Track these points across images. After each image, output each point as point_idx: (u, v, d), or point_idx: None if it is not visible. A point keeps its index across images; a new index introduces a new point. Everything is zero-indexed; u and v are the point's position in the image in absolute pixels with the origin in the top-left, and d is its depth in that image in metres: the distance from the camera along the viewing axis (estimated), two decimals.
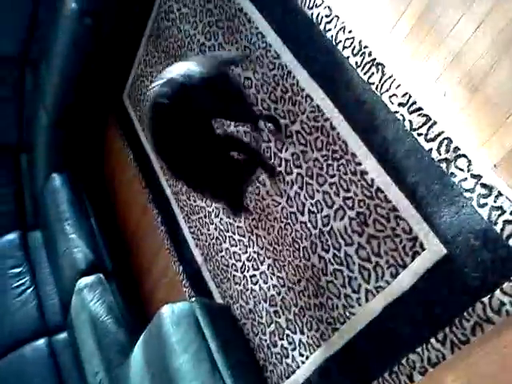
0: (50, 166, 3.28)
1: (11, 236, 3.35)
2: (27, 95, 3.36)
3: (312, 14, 1.78)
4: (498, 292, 1.29)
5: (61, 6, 2.74)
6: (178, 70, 1.50)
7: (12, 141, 3.53)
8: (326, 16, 1.73)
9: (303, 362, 1.89)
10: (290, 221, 1.91)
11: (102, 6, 2.71)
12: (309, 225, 1.83)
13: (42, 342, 3.00)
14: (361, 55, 1.61)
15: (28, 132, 3.44)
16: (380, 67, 1.56)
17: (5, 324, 3.05)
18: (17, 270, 3.22)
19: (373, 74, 1.58)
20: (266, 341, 2.06)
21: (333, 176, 1.73)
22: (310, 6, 1.79)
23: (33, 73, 3.24)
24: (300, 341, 1.90)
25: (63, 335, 3.03)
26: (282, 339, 1.98)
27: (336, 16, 1.70)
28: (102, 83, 3.17)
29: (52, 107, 3.12)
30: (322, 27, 1.74)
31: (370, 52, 1.59)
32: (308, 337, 1.87)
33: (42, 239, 3.40)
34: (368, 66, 1.59)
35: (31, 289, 3.18)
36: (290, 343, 1.95)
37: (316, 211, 1.80)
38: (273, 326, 2.02)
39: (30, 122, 3.39)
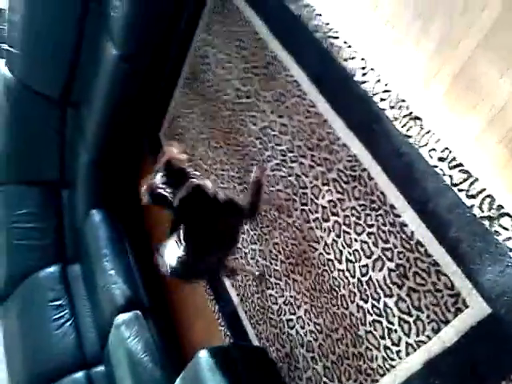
0: (89, 203, 3.37)
1: (52, 269, 3.43)
2: (68, 135, 3.46)
3: (347, 65, 1.79)
4: None
5: (101, 51, 2.84)
6: None
7: (54, 177, 3.63)
8: (362, 68, 1.74)
9: None
10: (327, 267, 1.90)
11: (141, 51, 2.78)
12: (347, 273, 1.82)
13: (80, 374, 3.04)
14: (398, 108, 1.61)
15: (69, 169, 3.54)
16: (418, 121, 1.55)
17: (45, 355, 3.10)
18: (57, 303, 3.28)
19: (411, 127, 1.57)
20: None
21: (371, 226, 1.72)
22: (345, 57, 1.80)
23: (74, 114, 3.35)
24: None
25: (101, 368, 3.06)
26: None
27: (371, 69, 1.71)
28: (140, 123, 3.26)
29: (91, 146, 3.22)
30: (358, 78, 1.75)
31: (408, 106, 1.58)
32: None
33: (81, 272, 3.47)
34: (406, 119, 1.58)
35: (70, 321, 3.23)
36: None
37: (354, 260, 1.79)
38: (310, 372, 2.00)
39: (70, 160, 3.49)
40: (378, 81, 1.69)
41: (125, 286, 2.97)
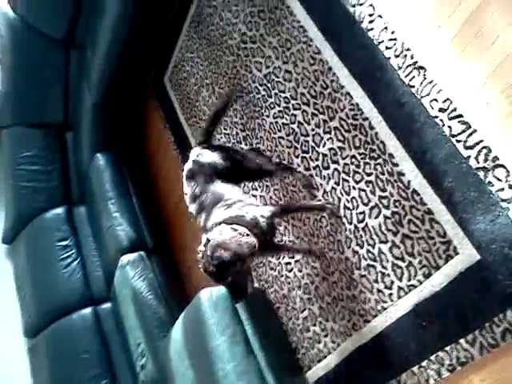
0: (93, 146, 3.40)
1: (58, 210, 3.54)
2: (72, 77, 3.45)
3: (355, 11, 1.77)
4: None
5: None
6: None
7: (58, 120, 3.66)
8: (369, 15, 1.72)
9: (334, 349, 1.97)
10: (325, 214, 1.96)
11: None
12: (344, 220, 1.88)
13: (88, 310, 3.22)
14: (403, 57, 1.61)
15: (73, 112, 3.55)
16: (421, 71, 1.56)
17: (54, 293, 3.27)
18: (64, 243, 3.41)
19: (414, 77, 1.58)
20: (298, 325, 2.14)
21: (369, 174, 1.76)
22: (353, 3, 1.78)
23: (78, 56, 3.32)
24: (332, 328, 1.98)
25: (108, 305, 3.22)
26: (315, 325, 2.06)
27: (379, 15, 1.69)
28: (144, 66, 3.23)
29: (96, 89, 3.20)
30: (364, 25, 1.74)
31: (412, 55, 1.58)
32: (340, 325, 1.94)
33: (86, 214, 3.57)
34: (410, 68, 1.59)
35: (77, 261, 3.38)
36: (322, 330, 2.02)
37: (352, 207, 1.84)
38: (306, 312, 2.10)
39: (74, 102, 3.50)
40: (385, 28, 1.68)
41: (129, 227, 3.07)
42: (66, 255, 3.36)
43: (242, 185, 2.05)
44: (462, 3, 1.45)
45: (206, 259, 1.50)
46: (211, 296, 2.10)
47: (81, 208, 3.61)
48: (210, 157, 1.85)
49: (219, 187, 1.79)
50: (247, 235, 1.54)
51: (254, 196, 2.30)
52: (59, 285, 3.27)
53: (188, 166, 1.87)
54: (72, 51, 3.36)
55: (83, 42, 3.20)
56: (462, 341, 1.48)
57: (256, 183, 2.33)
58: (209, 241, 1.53)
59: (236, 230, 1.55)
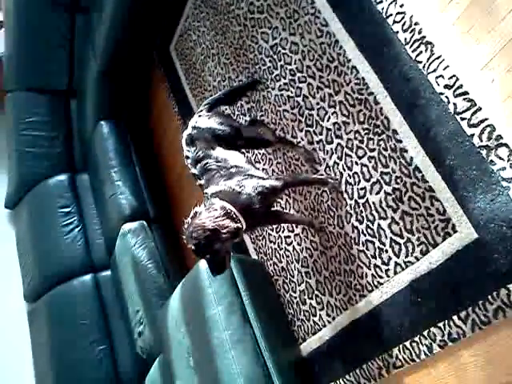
0: (98, 114, 3.40)
1: (61, 177, 3.56)
2: (78, 43, 3.42)
3: None
4: None
5: None
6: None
7: (62, 86, 3.65)
8: None
9: (329, 322, 2.00)
10: (326, 188, 1.96)
11: None
12: (345, 195, 1.88)
13: (88, 277, 3.27)
14: (411, 32, 1.59)
15: (78, 79, 3.54)
16: (429, 46, 1.54)
17: (55, 258, 3.32)
18: (66, 210, 3.45)
19: (421, 52, 1.56)
20: (295, 298, 2.17)
21: (372, 150, 1.76)
22: None
23: (83, 21, 3.29)
24: (328, 302, 2.00)
25: (107, 273, 3.27)
26: (311, 299, 2.09)
27: None
28: (150, 33, 3.20)
29: (101, 55, 3.18)
30: None
31: (421, 29, 1.56)
32: (336, 299, 1.97)
33: (89, 182, 3.59)
34: (417, 43, 1.57)
35: (79, 228, 3.42)
36: (318, 303, 2.05)
37: (353, 183, 1.84)
38: (303, 285, 2.13)
39: (80, 69, 3.48)
40: (394, 1, 1.65)
41: (131, 196, 3.09)
42: (67, 222, 3.39)
43: (246, 153, 2.04)
44: None
45: (187, 234, 1.52)
46: None
47: (83, 175, 3.63)
48: (209, 123, 1.86)
49: (222, 153, 1.79)
50: (232, 219, 1.55)
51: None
52: (60, 251, 3.31)
53: (187, 131, 1.87)
54: (77, 16, 3.33)
55: (89, 5, 3.16)
56: (454, 317, 1.50)
57: (259, 156, 2.32)
58: (196, 214, 1.54)
59: (224, 209, 1.56)
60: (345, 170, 1.87)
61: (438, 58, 1.51)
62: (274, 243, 2.29)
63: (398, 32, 1.63)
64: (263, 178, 1.74)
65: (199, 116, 1.92)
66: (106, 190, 3.19)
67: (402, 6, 1.62)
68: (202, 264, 2.15)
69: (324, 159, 1.96)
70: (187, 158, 1.82)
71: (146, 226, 2.99)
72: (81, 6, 3.27)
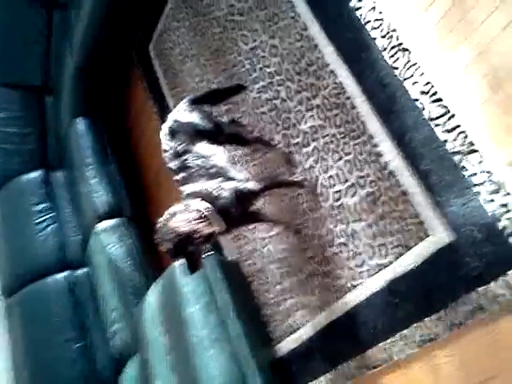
0: (74, 111, 3.33)
1: (35, 174, 3.46)
2: (54, 40, 3.34)
3: None
4: (493, 284, 1.35)
5: None
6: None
7: (37, 82, 3.56)
8: None
9: (306, 323, 1.99)
10: (302, 191, 1.96)
11: None
12: (320, 198, 1.88)
13: (62, 275, 3.18)
14: (388, 38, 1.60)
15: (54, 75, 3.45)
16: (406, 53, 1.55)
17: (28, 256, 3.22)
18: (40, 207, 3.35)
19: (398, 58, 1.57)
20: (272, 299, 2.16)
21: (348, 154, 1.76)
22: None
23: (61, 17, 3.22)
24: (304, 303, 2.00)
25: (83, 270, 3.19)
26: (288, 300, 2.07)
27: None
28: (129, 31, 3.15)
29: (78, 52, 3.11)
30: (352, 4, 1.71)
31: (398, 36, 1.57)
32: (312, 301, 1.96)
33: (64, 179, 3.50)
34: (394, 50, 1.58)
35: (53, 225, 3.32)
36: (295, 304, 2.04)
37: (329, 185, 1.84)
38: (279, 286, 2.12)
39: (56, 65, 3.40)
40: (373, 8, 1.66)
41: (107, 194, 3.03)
42: (41, 219, 3.30)
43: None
44: None
45: (160, 236, 1.50)
46: (186, 265, 2.09)
47: (58, 172, 3.53)
48: (190, 117, 1.82)
49: (203, 149, 1.76)
50: (207, 223, 1.53)
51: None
52: (34, 248, 3.22)
53: (168, 123, 1.82)
54: (55, 12, 3.24)
55: (67, 2, 3.08)
56: (428, 319, 1.52)
57: (237, 157, 2.30)
58: (171, 215, 1.52)
59: (199, 212, 1.54)
60: (321, 173, 1.87)
61: (413, 64, 1.53)
62: (251, 244, 2.28)
63: (375, 38, 1.64)
64: (242, 181, 1.72)
65: (180, 110, 1.86)
66: (81, 188, 3.12)
67: (380, 12, 1.63)
68: (178, 263, 2.13)
69: (301, 162, 1.96)
70: (165, 151, 1.77)
71: (122, 224, 2.94)
72: (59, 2, 3.19)
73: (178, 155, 1.74)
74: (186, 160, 1.72)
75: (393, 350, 1.63)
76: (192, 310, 2.03)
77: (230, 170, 1.74)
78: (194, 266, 1.55)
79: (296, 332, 2.04)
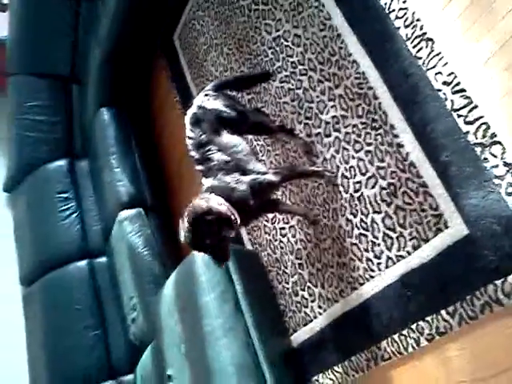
0: (99, 100, 3.42)
1: (60, 162, 3.58)
2: (82, 30, 3.44)
3: None
4: (510, 277, 1.36)
5: None
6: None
7: (65, 72, 3.67)
8: None
9: (320, 314, 2.03)
10: (323, 181, 1.99)
11: None
12: (341, 188, 1.91)
13: (84, 263, 3.29)
14: (412, 27, 1.62)
15: (80, 65, 3.55)
16: (430, 43, 1.56)
17: (51, 243, 3.34)
18: (64, 195, 3.46)
19: (421, 48, 1.58)
20: (288, 289, 2.20)
21: (369, 144, 1.78)
22: None
23: (88, 9, 3.31)
24: (320, 294, 2.03)
25: (103, 259, 3.30)
26: (304, 290, 2.12)
27: None
28: (154, 21, 3.22)
29: (104, 43, 3.20)
30: None
31: (422, 26, 1.59)
32: (328, 291, 2.00)
33: (88, 168, 3.61)
34: (418, 39, 1.60)
35: (76, 213, 3.44)
36: (310, 295, 2.08)
37: (349, 176, 1.87)
38: (296, 276, 2.16)
39: (82, 55, 3.50)
40: None
41: (129, 184, 3.11)
42: (65, 207, 3.41)
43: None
44: None
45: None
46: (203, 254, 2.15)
47: (83, 162, 3.64)
48: (215, 104, 1.84)
49: (226, 140, 1.78)
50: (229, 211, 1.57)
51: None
52: (57, 236, 3.34)
53: (192, 110, 1.85)
54: (82, 3, 3.34)
55: None
56: (443, 312, 1.54)
57: (258, 147, 2.35)
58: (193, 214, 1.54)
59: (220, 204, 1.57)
60: (341, 164, 1.90)
61: (437, 54, 1.54)
62: (269, 234, 2.32)
63: (399, 28, 1.65)
64: (261, 173, 1.74)
65: (205, 95, 1.89)
66: (105, 177, 3.21)
67: (404, 1, 1.64)
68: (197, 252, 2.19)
69: (321, 152, 1.99)
70: (190, 138, 1.80)
71: (143, 214, 3.02)
72: None
73: (200, 145, 1.77)
74: (207, 151, 1.75)
75: (405, 342, 1.66)
76: (207, 299, 2.08)
77: (249, 162, 1.77)
78: (226, 253, 1.58)
79: (310, 323, 2.08)
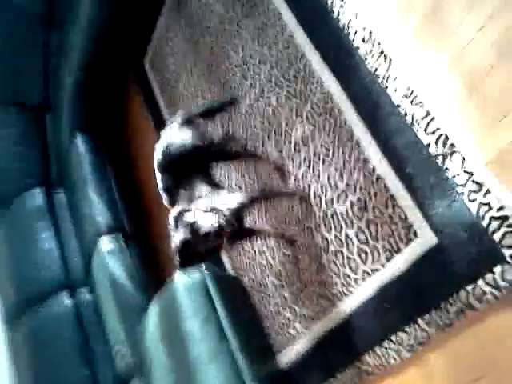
0: (73, 126, 3.49)
1: (37, 193, 3.62)
2: (53, 59, 3.53)
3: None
4: (480, 282, 1.43)
5: None
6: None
7: (37, 100, 3.75)
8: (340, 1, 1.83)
9: (304, 334, 2.09)
10: (296, 201, 2.07)
11: None
12: (314, 206, 1.99)
13: (67, 297, 3.32)
14: (370, 45, 1.72)
15: (53, 92, 3.64)
16: (387, 59, 1.67)
17: (31, 276, 3.38)
18: (42, 225, 3.51)
19: (380, 64, 1.69)
20: (271, 311, 2.26)
21: (337, 160, 1.87)
22: None
23: (58, 33, 3.41)
24: (302, 313, 2.10)
25: (86, 291, 3.34)
26: (286, 311, 2.18)
27: (347, 3, 1.80)
28: (124, 47, 3.31)
29: (76, 68, 3.28)
30: (335, 13, 1.84)
31: (380, 43, 1.69)
32: (310, 310, 2.06)
33: (65, 197, 3.67)
34: (376, 56, 1.70)
35: (55, 244, 3.47)
36: (293, 315, 2.14)
37: (321, 193, 1.95)
38: (278, 298, 2.22)
39: (54, 83, 3.58)
40: (355, 16, 1.78)
41: (107, 212, 3.18)
42: (44, 238, 3.45)
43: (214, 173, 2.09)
44: None
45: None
46: (185, 279, 2.22)
47: (59, 190, 3.69)
48: (179, 136, 1.88)
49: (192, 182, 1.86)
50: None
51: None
52: (37, 269, 3.37)
53: (158, 155, 1.88)
54: (52, 29, 3.44)
55: (63, 18, 3.28)
56: (420, 321, 1.60)
57: (232, 167, 2.43)
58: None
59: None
60: (313, 181, 1.98)
61: (395, 70, 1.64)
62: (249, 258, 2.39)
63: (358, 46, 1.76)
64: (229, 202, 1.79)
65: (172, 128, 1.94)
66: (82, 206, 3.28)
67: (362, 20, 1.76)
68: (177, 277, 2.25)
69: (293, 170, 2.07)
70: (158, 186, 1.90)
71: (123, 242, 3.08)
72: (55, 20, 3.38)
73: (170, 192, 1.87)
74: (177, 196, 1.84)
75: (386, 354, 1.72)
76: (191, 325, 2.14)
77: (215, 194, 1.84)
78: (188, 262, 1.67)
79: (295, 343, 2.13)
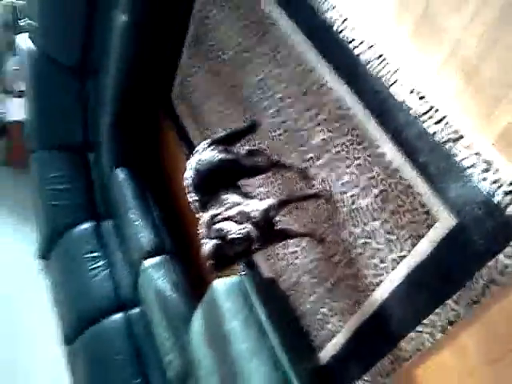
0: (113, 162, 3.67)
1: (86, 225, 3.80)
2: (91, 103, 3.77)
3: (327, 16, 1.98)
4: (501, 256, 1.45)
5: (113, 19, 3.08)
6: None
7: (79, 141, 3.97)
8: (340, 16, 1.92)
9: (342, 327, 2.11)
10: (323, 200, 2.12)
11: (147, 16, 3.00)
12: (340, 204, 2.04)
13: (118, 316, 3.43)
14: (370, 51, 1.81)
15: (93, 134, 3.85)
16: (388, 62, 1.75)
17: (85, 301, 3.51)
18: (93, 255, 3.65)
19: (383, 67, 1.76)
20: (308, 309, 2.30)
21: (358, 158, 1.92)
22: (326, 9, 1.98)
23: (92, 80, 3.63)
24: (338, 308, 2.12)
25: (137, 309, 3.43)
26: (323, 307, 2.21)
27: (346, 17, 1.91)
28: (151, 85, 3.47)
29: (110, 110, 3.49)
30: (336, 28, 1.94)
31: (378, 49, 1.78)
32: (345, 304, 2.09)
33: (112, 226, 3.82)
34: (377, 61, 1.78)
35: (106, 270, 3.61)
36: (329, 310, 2.17)
37: (345, 191, 2.00)
38: (314, 295, 2.26)
39: (93, 123, 3.79)
40: (353, 29, 1.87)
41: (150, 234, 3.30)
42: (95, 266, 3.59)
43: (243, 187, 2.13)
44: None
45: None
46: (224, 284, 2.29)
47: (107, 221, 3.85)
48: (207, 154, 1.96)
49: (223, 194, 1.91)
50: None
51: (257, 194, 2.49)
52: (91, 294, 3.49)
53: (188, 174, 1.94)
54: (89, 81, 3.68)
55: (97, 67, 3.50)
56: (449, 301, 1.62)
57: (261, 180, 2.50)
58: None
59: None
60: (335, 182, 2.04)
61: (396, 71, 1.72)
62: (283, 260, 2.44)
63: (360, 53, 1.84)
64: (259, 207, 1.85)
65: (198, 153, 2.00)
66: (127, 231, 3.41)
67: (361, 32, 1.85)
68: (216, 284, 2.32)
69: (316, 174, 2.13)
70: (193, 201, 1.95)
71: (167, 260, 3.18)
72: (89, 69, 3.61)
73: (203, 206, 1.91)
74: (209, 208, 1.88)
75: (421, 338, 1.74)
76: (232, 326, 2.19)
77: (247, 203, 1.89)
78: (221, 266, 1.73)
79: (334, 338, 2.16)
